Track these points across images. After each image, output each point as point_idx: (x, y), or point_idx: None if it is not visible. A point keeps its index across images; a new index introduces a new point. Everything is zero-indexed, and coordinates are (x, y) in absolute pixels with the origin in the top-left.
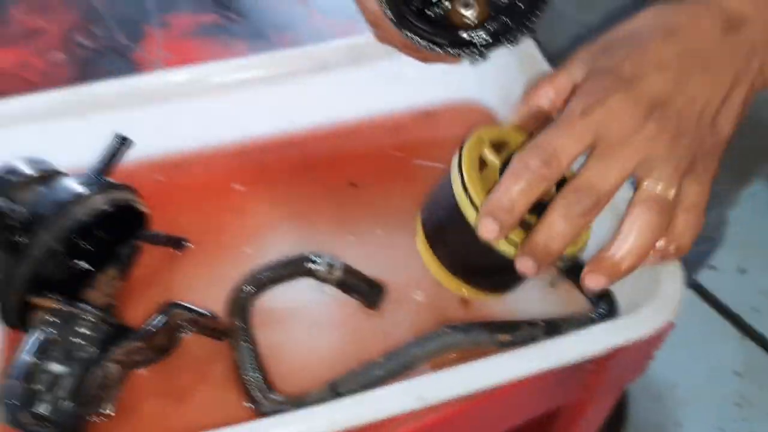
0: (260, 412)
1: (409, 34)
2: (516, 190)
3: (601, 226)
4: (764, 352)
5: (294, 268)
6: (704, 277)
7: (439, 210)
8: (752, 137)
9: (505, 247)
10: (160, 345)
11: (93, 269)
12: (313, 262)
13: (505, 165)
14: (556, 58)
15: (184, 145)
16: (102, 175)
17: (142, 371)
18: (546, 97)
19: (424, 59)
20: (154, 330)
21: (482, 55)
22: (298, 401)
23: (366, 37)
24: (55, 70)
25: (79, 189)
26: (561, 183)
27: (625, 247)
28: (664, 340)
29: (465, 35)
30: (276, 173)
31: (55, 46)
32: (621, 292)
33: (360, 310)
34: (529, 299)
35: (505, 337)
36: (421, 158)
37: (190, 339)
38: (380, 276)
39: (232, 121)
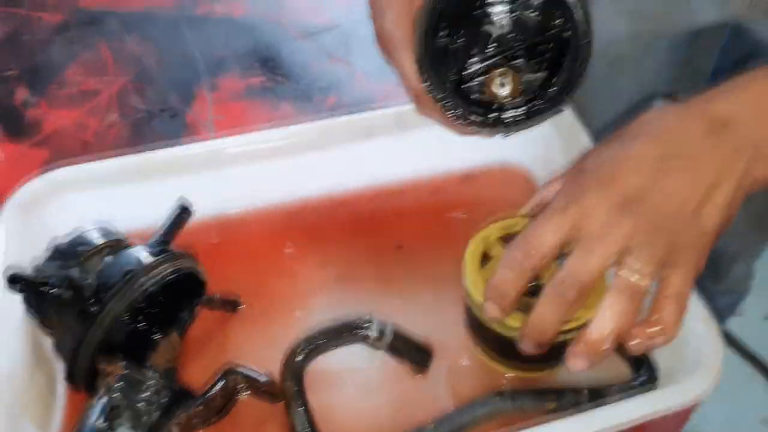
0: None
1: (448, 110)
2: (507, 279)
3: None
4: None
5: (347, 335)
6: (731, 324)
7: (465, 304)
8: None
9: (504, 330)
10: (218, 406)
11: (157, 334)
12: (365, 328)
13: None
14: (588, 115)
15: (238, 207)
16: (165, 243)
17: None
18: (553, 191)
19: (462, 132)
20: (214, 395)
21: (513, 131)
22: None
23: (408, 105)
24: (109, 132)
25: (145, 259)
26: None
27: (600, 330)
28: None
29: (498, 113)
30: (325, 234)
31: (108, 107)
32: (662, 357)
33: (409, 373)
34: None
35: (551, 405)
36: (462, 220)
37: (245, 400)
38: (427, 338)
39: (283, 183)
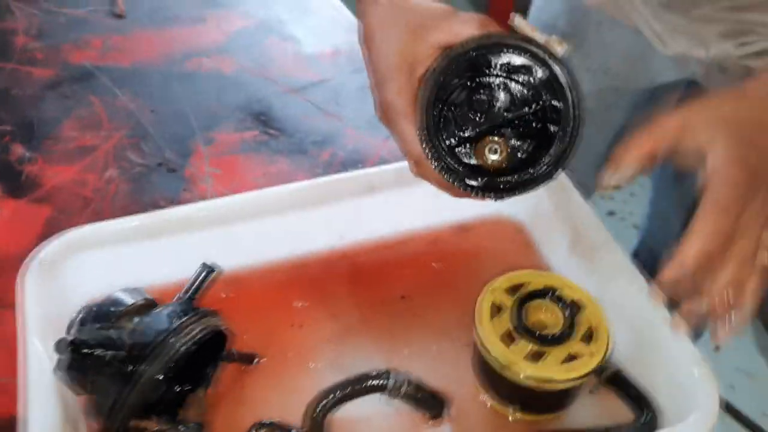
0: None
1: (446, 176)
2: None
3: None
4: None
5: (366, 386)
6: None
7: (476, 353)
8: None
9: (517, 378)
10: None
11: (188, 390)
12: (384, 380)
13: (516, 306)
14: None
15: (244, 263)
16: (190, 300)
17: None
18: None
19: (456, 195)
20: None
21: (506, 197)
22: None
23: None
24: (109, 187)
25: (176, 319)
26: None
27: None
28: None
29: (492, 179)
30: (331, 287)
31: (106, 162)
32: (661, 398)
33: (424, 419)
34: (576, 408)
35: None
36: (459, 269)
37: None
38: (436, 384)
39: (288, 239)
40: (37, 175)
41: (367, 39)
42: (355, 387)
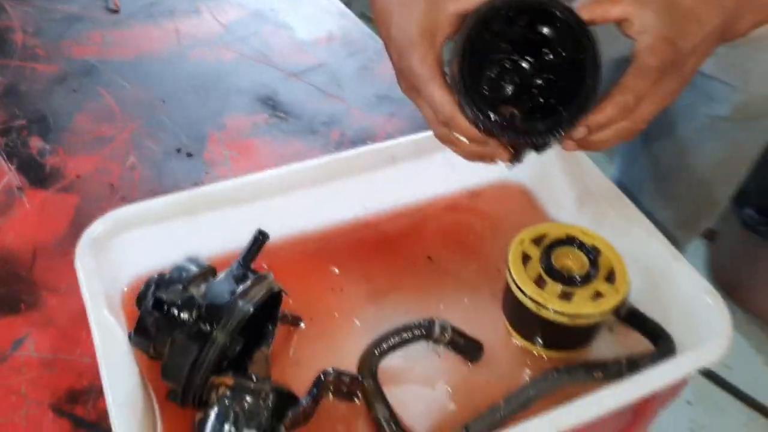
0: None
1: (481, 120)
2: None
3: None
4: None
5: (414, 334)
6: None
7: (508, 298)
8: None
9: (551, 315)
10: (312, 407)
11: (255, 347)
12: (429, 328)
13: (543, 254)
14: None
15: (280, 234)
16: (247, 265)
17: None
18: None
19: (471, 157)
20: (315, 395)
21: (538, 142)
22: None
23: (423, 134)
24: (133, 174)
25: (240, 282)
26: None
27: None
28: None
29: (521, 123)
30: (362, 254)
31: (125, 151)
32: (677, 330)
33: (463, 363)
34: (596, 345)
35: (599, 375)
36: (476, 230)
37: (324, 403)
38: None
39: (317, 210)
40: (60, 167)
41: (385, 16)
42: (403, 335)
